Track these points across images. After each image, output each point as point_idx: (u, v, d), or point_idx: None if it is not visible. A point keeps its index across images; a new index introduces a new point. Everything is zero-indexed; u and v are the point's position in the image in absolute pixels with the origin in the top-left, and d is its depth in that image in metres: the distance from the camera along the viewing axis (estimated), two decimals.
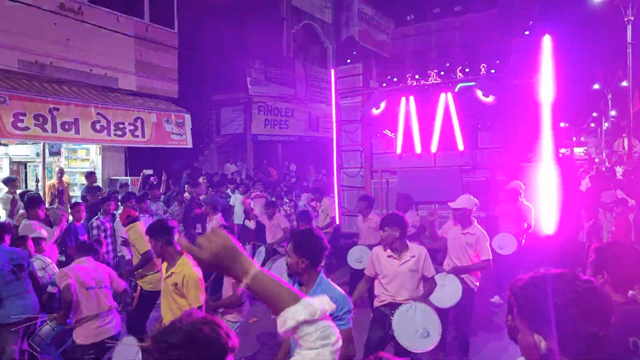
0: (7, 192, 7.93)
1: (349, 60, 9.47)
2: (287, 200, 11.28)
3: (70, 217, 6.49)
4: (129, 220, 5.74)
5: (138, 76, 11.24)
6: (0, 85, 8.51)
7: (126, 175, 11.13)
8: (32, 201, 6.18)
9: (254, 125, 14.66)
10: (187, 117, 11.78)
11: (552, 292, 1.28)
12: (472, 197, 5.14)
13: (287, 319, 1.16)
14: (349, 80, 9.15)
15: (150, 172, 10.06)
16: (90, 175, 9.35)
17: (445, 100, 8.20)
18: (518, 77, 7.98)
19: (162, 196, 9.28)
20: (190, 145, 11.82)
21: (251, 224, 9.26)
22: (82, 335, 3.89)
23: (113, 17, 10.57)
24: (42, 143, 9.71)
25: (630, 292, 2.34)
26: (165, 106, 11.67)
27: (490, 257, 4.90)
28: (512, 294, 1.39)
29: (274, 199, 9.86)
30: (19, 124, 8.55)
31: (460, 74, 8.19)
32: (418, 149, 8.47)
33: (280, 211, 8.39)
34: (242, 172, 13.97)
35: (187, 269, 3.54)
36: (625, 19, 15.70)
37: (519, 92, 7.98)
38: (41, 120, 8.87)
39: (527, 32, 8.20)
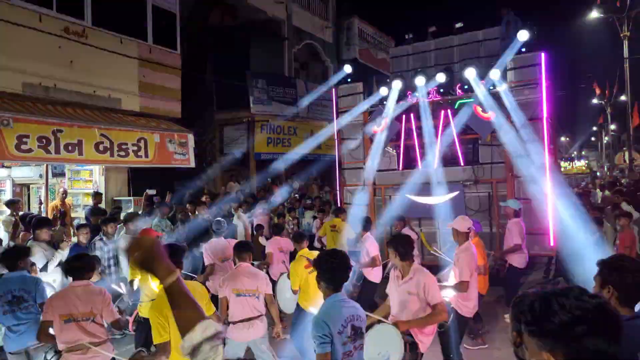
0: (9, 215, 7.96)
1: (349, 80, 9.56)
2: (290, 218, 11.26)
3: (75, 239, 6.48)
4: None
5: (141, 97, 11.35)
6: (4, 107, 8.60)
7: (129, 196, 11.15)
8: (39, 223, 6.19)
9: (256, 144, 14.73)
10: (190, 136, 11.85)
11: (560, 308, 1.27)
12: (466, 218, 5.11)
13: (186, 345, 1.32)
14: (350, 99, 9.23)
15: (153, 192, 10.08)
16: (96, 196, 9.36)
17: (446, 116, 8.26)
18: (517, 93, 8.05)
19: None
20: (193, 165, 11.86)
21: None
22: None
23: (116, 39, 10.73)
24: (45, 165, 9.76)
25: (637, 306, 2.31)
26: (168, 126, 11.75)
27: (465, 280, 4.72)
28: (519, 311, 1.37)
29: (275, 218, 9.83)
30: (23, 146, 8.60)
31: (460, 91, 8.27)
32: (420, 165, 8.49)
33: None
34: (245, 191, 13.98)
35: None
36: (622, 35, 15.85)
37: (518, 107, 8.05)
38: (44, 142, 8.93)
39: (524, 50, 8.30)
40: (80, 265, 3.91)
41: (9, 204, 8.18)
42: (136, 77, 11.26)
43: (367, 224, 6.98)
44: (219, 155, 15.22)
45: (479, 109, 7.85)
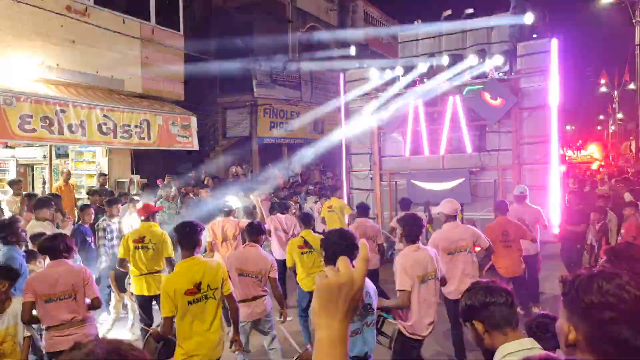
0: (13, 195, 7.93)
1: (357, 65, 9.42)
2: (292, 203, 11.23)
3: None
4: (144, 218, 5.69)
5: (144, 78, 11.24)
6: (7, 86, 8.51)
7: None
8: (41, 202, 6.16)
9: (259, 128, 14.64)
10: (193, 119, 11.77)
11: (597, 290, 1.27)
12: (453, 201, 4.97)
13: None
14: (359, 84, 9.13)
15: (137, 177, 10.22)
16: (100, 177, 9.34)
17: (454, 103, 8.17)
18: (526, 80, 7.95)
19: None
20: (196, 148, 11.80)
21: None
22: (45, 342, 3.85)
23: (119, 19, 10.58)
24: (48, 145, 9.71)
25: None
26: (171, 108, 11.66)
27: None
28: (563, 279, 1.39)
29: (277, 200, 9.81)
30: (26, 126, 8.54)
31: (469, 77, 8.16)
32: (427, 151, 8.43)
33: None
34: (247, 175, 13.95)
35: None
36: (634, 21, 15.61)
37: (527, 95, 7.96)
38: (48, 122, 8.86)
39: (535, 36, 8.15)
40: (55, 245, 3.88)
41: (11, 183, 8.14)
42: (139, 58, 11.12)
43: (362, 210, 6.90)
44: (221, 138, 15.14)
45: (487, 96, 7.76)
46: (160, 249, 5.37)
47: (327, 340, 0.96)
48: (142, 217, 5.68)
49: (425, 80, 8.48)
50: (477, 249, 5.00)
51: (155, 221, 5.67)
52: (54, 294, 3.72)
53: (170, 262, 5.35)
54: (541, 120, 7.77)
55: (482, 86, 7.94)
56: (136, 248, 5.34)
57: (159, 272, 5.39)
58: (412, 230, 3.92)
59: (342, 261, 0.99)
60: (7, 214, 7.63)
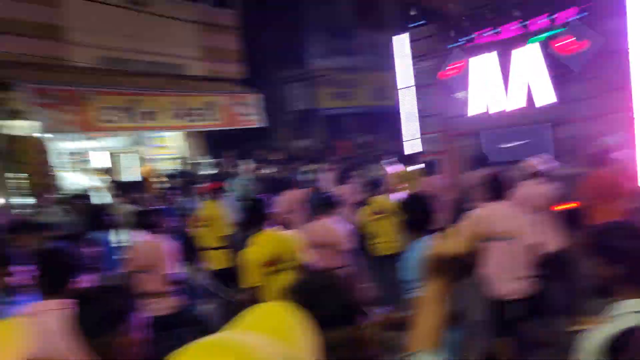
0: (110, 182, 8.55)
1: (419, 22, 9.00)
2: (356, 173, 11.16)
3: None
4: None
5: (205, 61, 11.50)
6: (85, 81, 9.05)
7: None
8: (128, 187, 6.61)
9: (321, 100, 14.57)
10: (255, 96, 11.95)
11: (618, 238, 1.66)
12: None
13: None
14: (421, 43, 8.78)
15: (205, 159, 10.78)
16: (179, 160, 9.81)
17: (531, 51, 7.62)
18: (612, 20, 7.21)
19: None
20: (261, 124, 12.01)
21: None
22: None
23: (176, 5, 10.82)
24: (129, 133, 10.29)
25: None
26: (233, 87, 11.88)
27: None
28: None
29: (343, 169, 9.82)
30: (105, 117, 9.09)
31: (548, 20, 7.54)
32: (500, 107, 7.99)
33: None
34: (311, 148, 14.03)
35: None
36: None
37: (612, 36, 7.23)
38: (124, 112, 9.38)
39: None
40: (146, 220, 4.22)
41: (102, 171, 8.78)
42: (198, 41, 11.37)
43: (430, 169, 7.12)
44: (284, 113, 15.26)
45: (571, 40, 7.14)
46: (214, 227, 5.58)
47: (431, 297, 1.19)
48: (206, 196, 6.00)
49: (496, 30, 7.95)
50: None
51: (219, 198, 5.90)
52: (141, 266, 4.02)
53: (225, 240, 5.52)
54: (624, 65, 7.04)
55: (564, 29, 7.32)
56: (198, 227, 5.68)
57: (217, 248, 5.58)
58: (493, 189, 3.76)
59: (453, 234, 1.23)
60: (107, 199, 8.24)
